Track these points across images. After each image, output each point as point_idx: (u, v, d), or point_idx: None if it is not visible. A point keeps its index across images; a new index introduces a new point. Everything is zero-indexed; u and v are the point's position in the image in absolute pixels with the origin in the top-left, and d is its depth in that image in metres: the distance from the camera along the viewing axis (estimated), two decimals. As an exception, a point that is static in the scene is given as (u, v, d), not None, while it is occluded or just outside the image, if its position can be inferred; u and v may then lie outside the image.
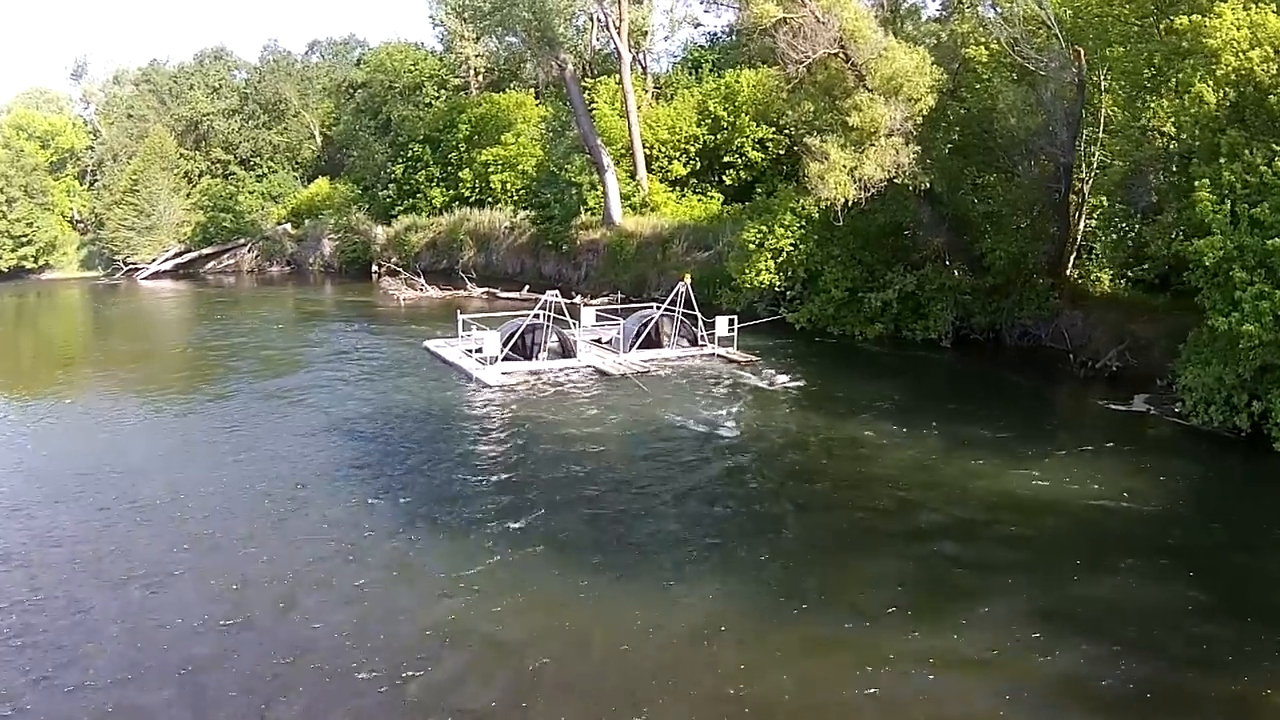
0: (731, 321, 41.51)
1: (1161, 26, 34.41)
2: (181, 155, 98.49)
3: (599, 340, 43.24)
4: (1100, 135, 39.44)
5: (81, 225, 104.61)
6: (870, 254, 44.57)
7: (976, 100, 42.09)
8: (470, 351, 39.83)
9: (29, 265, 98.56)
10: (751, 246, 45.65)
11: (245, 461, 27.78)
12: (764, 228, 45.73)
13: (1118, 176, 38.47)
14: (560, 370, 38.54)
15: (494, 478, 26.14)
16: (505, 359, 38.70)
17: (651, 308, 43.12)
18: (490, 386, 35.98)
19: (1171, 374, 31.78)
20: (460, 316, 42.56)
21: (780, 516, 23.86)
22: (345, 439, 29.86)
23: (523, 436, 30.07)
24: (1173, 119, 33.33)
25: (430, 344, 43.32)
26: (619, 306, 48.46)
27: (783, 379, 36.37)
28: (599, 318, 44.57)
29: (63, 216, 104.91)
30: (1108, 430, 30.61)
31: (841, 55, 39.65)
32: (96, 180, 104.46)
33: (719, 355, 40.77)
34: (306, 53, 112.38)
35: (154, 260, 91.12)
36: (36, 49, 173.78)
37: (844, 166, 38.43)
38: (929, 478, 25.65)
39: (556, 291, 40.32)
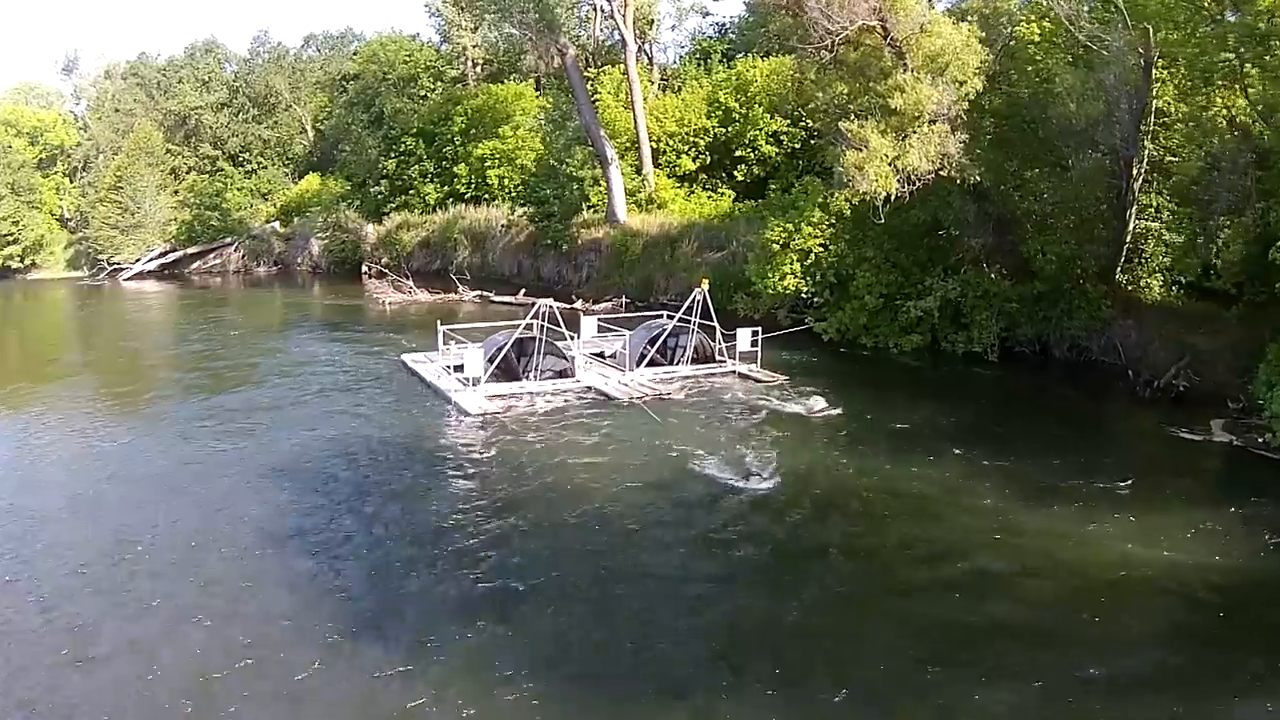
0: (755, 335, 35.75)
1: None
2: (169, 151, 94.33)
3: (601, 355, 37.67)
4: (1154, 126, 35.02)
5: (71, 224, 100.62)
6: (906, 256, 39.33)
7: (1026, 84, 36.95)
8: (451, 369, 34.25)
9: (15, 265, 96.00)
10: (775, 247, 40.21)
11: (150, 507, 23.07)
12: (790, 226, 40.23)
13: (1194, 172, 33.61)
14: (555, 393, 32.91)
15: (466, 545, 20.51)
16: (491, 379, 32.87)
17: (661, 317, 37.48)
18: (470, 415, 30.36)
19: (1248, 395, 28.23)
20: (440, 327, 36.48)
21: (843, 615, 18.01)
22: (281, 485, 24.42)
23: (504, 486, 24.33)
24: (1254, 109, 30.37)
25: (407, 358, 37.75)
26: (623, 315, 42.96)
27: (822, 405, 30.46)
28: (601, 328, 38.77)
29: (51, 215, 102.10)
30: (1189, 467, 26.07)
31: (879, 30, 34.72)
32: (84, 177, 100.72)
33: (741, 374, 35.07)
34: (302, 46, 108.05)
35: (137, 260, 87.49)
36: (27, 43, 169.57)
37: (885, 156, 33.08)
38: (1005, 544, 20.45)
39: (551, 299, 34.17)
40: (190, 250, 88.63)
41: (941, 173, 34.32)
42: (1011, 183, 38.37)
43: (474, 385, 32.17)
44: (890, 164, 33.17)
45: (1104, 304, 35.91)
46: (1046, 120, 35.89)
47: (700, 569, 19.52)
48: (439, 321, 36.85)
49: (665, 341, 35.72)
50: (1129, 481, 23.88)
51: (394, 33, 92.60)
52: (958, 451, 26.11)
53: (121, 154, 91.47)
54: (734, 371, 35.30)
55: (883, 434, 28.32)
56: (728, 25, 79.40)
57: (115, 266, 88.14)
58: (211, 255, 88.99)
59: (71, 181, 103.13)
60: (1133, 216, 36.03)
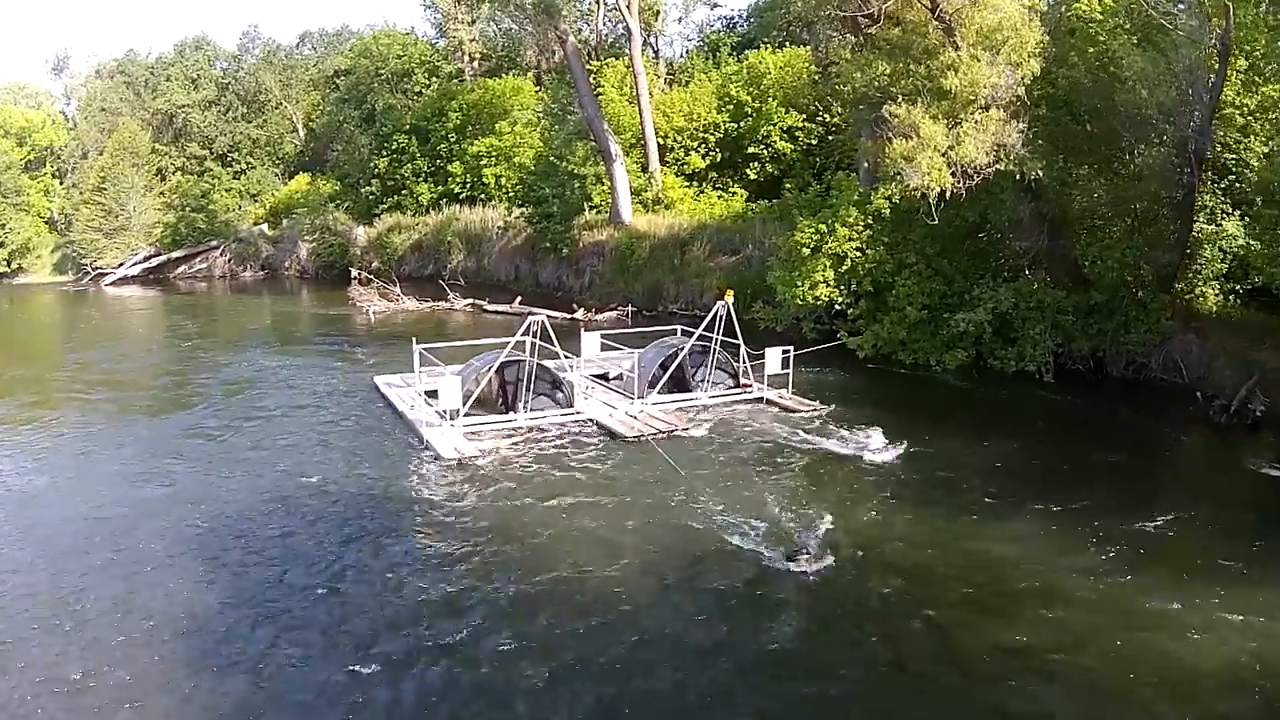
0: (786, 355, 30.16)
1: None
2: (155, 151, 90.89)
3: (605, 377, 32.33)
4: (1231, 115, 31.13)
5: (59, 226, 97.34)
6: (949, 262, 34.42)
7: (1086, 67, 32.15)
8: (425, 395, 29.04)
9: (0, 269, 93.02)
10: (805, 251, 34.94)
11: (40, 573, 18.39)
12: (822, 227, 34.94)
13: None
14: (549, 428, 27.29)
15: (409, 654, 15.26)
16: (472, 410, 27.12)
17: (675, 331, 32.05)
18: (443, 459, 24.54)
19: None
20: (416, 347, 30.10)
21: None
22: (198, 553, 19.28)
23: (477, 564, 18.53)
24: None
25: (381, 381, 32.34)
26: (630, 329, 37.45)
27: (879, 442, 24.65)
28: (605, 346, 32.67)
29: (40, 217, 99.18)
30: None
31: (926, 3, 30.13)
32: (70, 179, 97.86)
33: (770, 401, 29.53)
34: (298, 44, 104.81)
35: (120, 265, 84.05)
36: (16, 44, 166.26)
37: (938, 145, 28.12)
38: (1103, 630, 15.75)
39: (547, 310, 28.98)
40: (175, 254, 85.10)
41: (998, 166, 29.62)
42: (1067, 178, 33.67)
43: (451, 419, 26.47)
44: (943, 155, 28.40)
45: (1163, 316, 31.51)
46: (1112, 109, 31.17)
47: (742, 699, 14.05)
48: (414, 340, 30.68)
49: (681, 362, 30.23)
50: (1235, 537, 19.80)
51: (388, 27, 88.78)
52: (1035, 505, 21.09)
53: (105, 154, 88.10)
54: (763, 399, 29.77)
55: (942, 479, 23.05)
56: (737, 19, 75.33)
57: (98, 271, 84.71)
58: (197, 259, 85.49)
59: (61, 183, 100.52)
60: (1199, 217, 31.80)
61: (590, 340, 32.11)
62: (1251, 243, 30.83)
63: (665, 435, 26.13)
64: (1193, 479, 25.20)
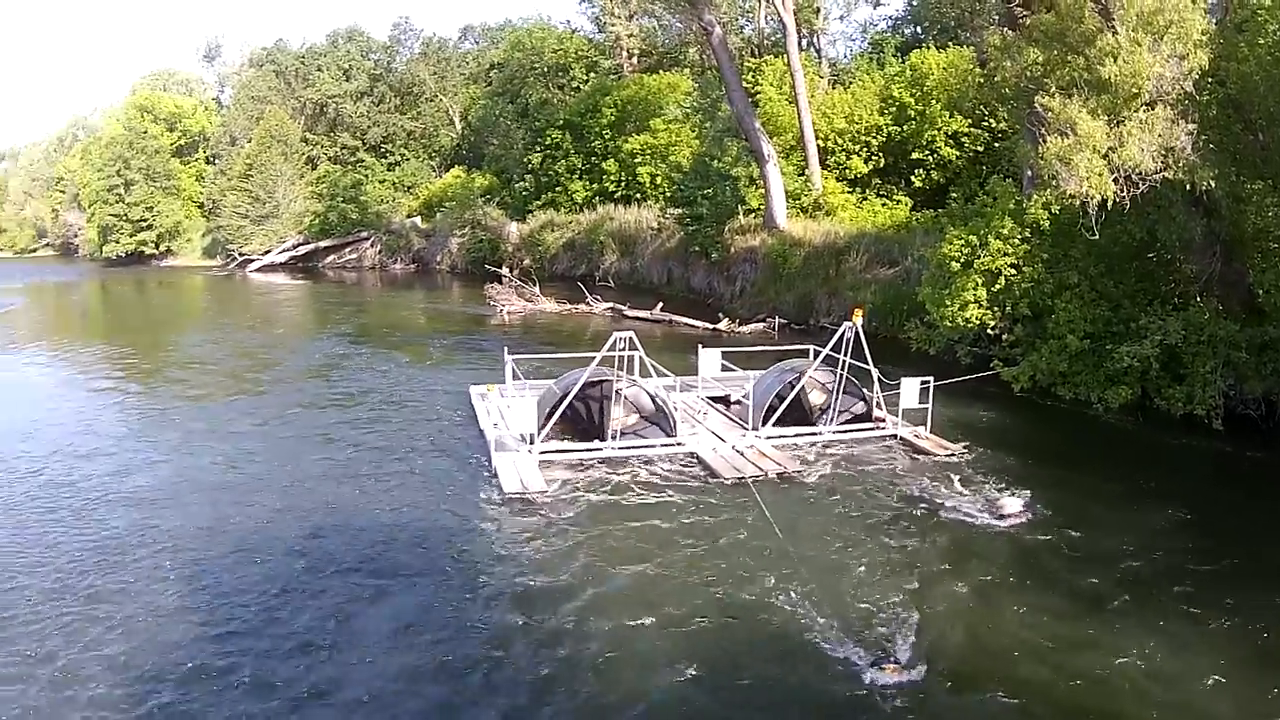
0: (924, 386, 26.72)
1: None
2: (305, 140, 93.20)
3: (725, 401, 29.93)
4: None
5: (209, 211, 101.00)
6: (1115, 285, 31.52)
7: (1257, 63, 27.90)
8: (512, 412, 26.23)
9: (149, 250, 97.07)
10: (955, 266, 32.80)
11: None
12: (973, 239, 32.82)
13: None
14: (641, 460, 24.64)
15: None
16: (554, 435, 25.06)
17: (808, 353, 29.19)
18: (506, 495, 22.00)
19: None
20: (507, 357, 29.09)
21: None
22: (219, 574, 18.04)
23: (485, 635, 15.76)
24: None
25: (476, 390, 30.83)
26: (767, 346, 36.01)
27: (1014, 506, 21.07)
28: (725, 367, 30.32)
29: (191, 201, 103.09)
30: None
31: None
32: (216, 165, 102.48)
33: (903, 439, 26.43)
34: (460, 38, 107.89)
35: (267, 251, 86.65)
36: (168, 29, 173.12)
37: (1097, 145, 26.02)
38: None
39: (632, 334, 25.45)
40: (324, 243, 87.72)
41: (1165, 174, 26.97)
42: (1241, 192, 29.65)
43: (528, 444, 24.54)
44: (1104, 157, 26.25)
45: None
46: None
47: None
48: (505, 349, 29.94)
49: (802, 390, 27.22)
50: None
51: (542, 21, 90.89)
52: (1193, 606, 16.63)
53: (252, 141, 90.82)
54: (895, 436, 26.69)
55: (1082, 559, 18.89)
56: (901, 18, 74.58)
57: (245, 257, 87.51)
58: (347, 249, 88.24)
59: (212, 168, 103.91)
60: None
61: (709, 357, 29.93)
62: None
63: (773, 477, 23.45)
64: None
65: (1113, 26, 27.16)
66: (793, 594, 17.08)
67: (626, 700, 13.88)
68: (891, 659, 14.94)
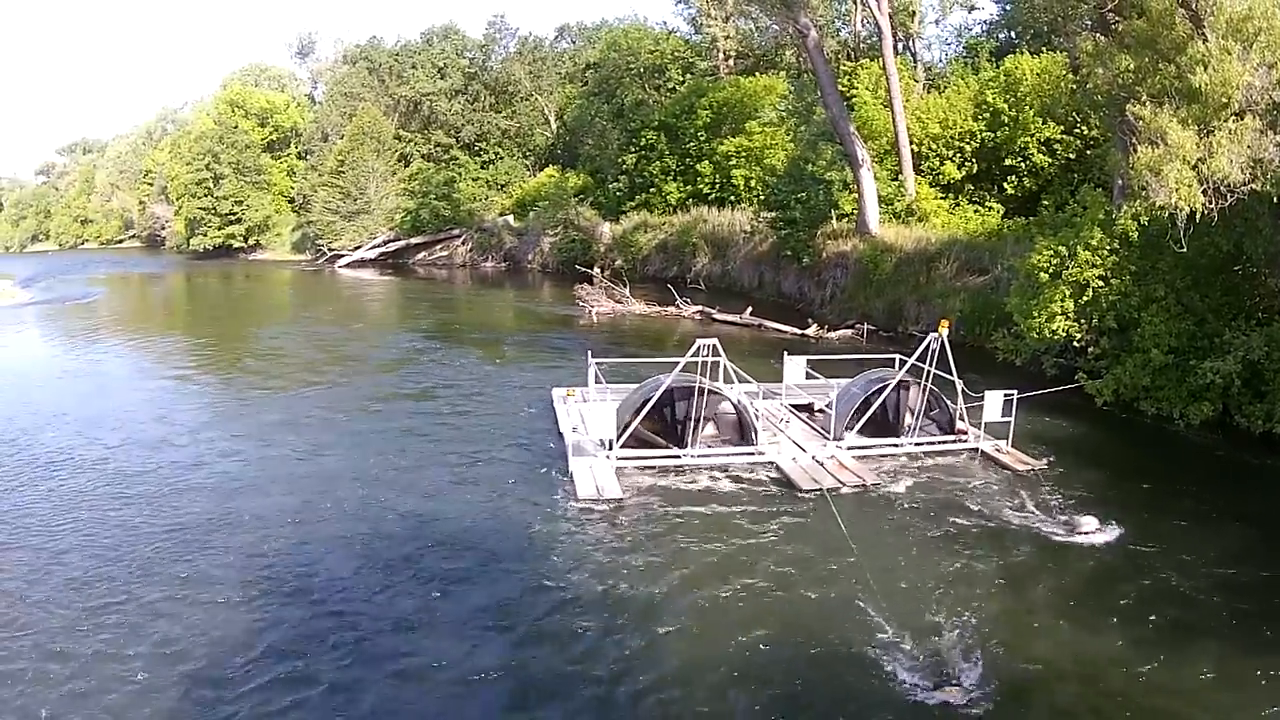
0: (1008, 400, 26.88)
1: None
2: (398, 137, 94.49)
3: (808, 409, 30.29)
4: None
5: (300, 207, 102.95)
6: (1200, 298, 31.55)
7: None
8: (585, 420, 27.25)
9: (237, 244, 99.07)
10: (1043, 276, 33.06)
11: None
12: (1062, 249, 33.00)
13: None
14: (720, 469, 25.05)
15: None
16: (632, 442, 25.45)
17: (894, 363, 29.20)
18: (582, 500, 22.70)
19: None
20: (591, 360, 29.67)
21: None
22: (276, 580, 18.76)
23: (540, 635, 16.63)
24: None
25: (558, 393, 31.34)
26: (853, 353, 36.15)
27: (1090, 525, 21.28)
28: (810, 375, 31.09)
29: (281, 196, 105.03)
30: None
31: None
32: (308, 160, 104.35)
33: (985, 453, 26.79)
34: (556, 37, 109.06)
35: (357, 247, 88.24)
36: (260, 24, 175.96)
37: (1187, 157, 26.12)
38: None
39: (715, 341, 25.44)
40: (415, 240, 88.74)
41: (1254, 186, 26.80)
42: None
43: (607, 450, 25.11)
44: (1193, 168, 26.34)
45: None
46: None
47: None
48: (589, 352, 30.60)
49: (886, 400, 27.32)
50: None
51: (638, 21, 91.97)
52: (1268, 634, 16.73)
53: (344, 138, 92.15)
54: (977, 449, 27.00)
55: (1157, 583, 18.88)
56: (995, 23, 74.37)
57: (334, 252, 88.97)
58: (438, 246, 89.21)
59: (304, 164, 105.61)
60: None
61: (794, 365, 30.54)
62: None
63: (852, 490, 23.84)
64: None
65: (1203, 33, 27.47)
66: (861, 612, 17.35)
67: (690, 709, 14.57)
68: (954, 681, 15.20)
